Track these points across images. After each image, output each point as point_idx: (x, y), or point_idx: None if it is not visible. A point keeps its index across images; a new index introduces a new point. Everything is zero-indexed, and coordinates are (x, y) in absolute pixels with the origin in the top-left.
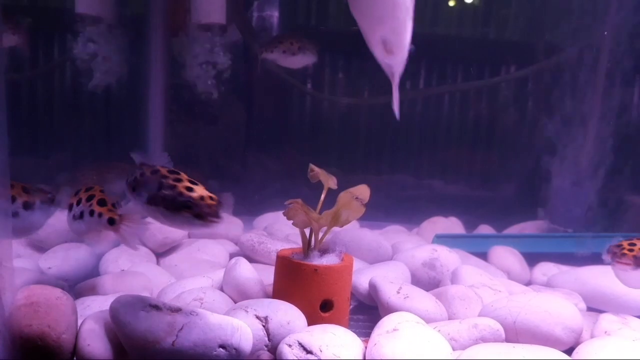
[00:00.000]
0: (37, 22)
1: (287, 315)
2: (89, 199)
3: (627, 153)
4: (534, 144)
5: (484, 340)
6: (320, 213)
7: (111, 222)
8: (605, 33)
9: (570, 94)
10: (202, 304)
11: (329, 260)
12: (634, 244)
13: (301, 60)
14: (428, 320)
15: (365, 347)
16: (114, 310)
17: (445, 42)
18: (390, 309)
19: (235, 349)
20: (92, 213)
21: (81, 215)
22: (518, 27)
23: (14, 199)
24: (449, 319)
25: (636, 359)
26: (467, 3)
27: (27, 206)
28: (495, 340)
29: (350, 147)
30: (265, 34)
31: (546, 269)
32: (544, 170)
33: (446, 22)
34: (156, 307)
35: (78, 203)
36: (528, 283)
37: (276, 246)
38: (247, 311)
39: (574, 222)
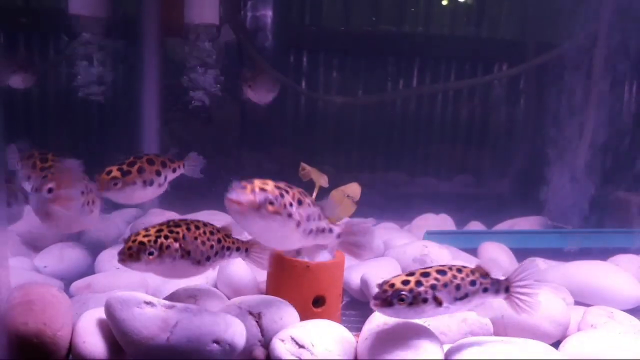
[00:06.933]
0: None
1: (280, 311)
2: None
3: (618, 150)
4: (526, 141)
5: (473, 334)
6: None
7: None
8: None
9: (566, 92)
10: (196, 300)
11: (321, 256)
12: None
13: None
14: None
15: (357, 342)
16: (109, 307)
17: (439, 41)
18: None
19: (229, 344)
20: None
21: None
22: (510, 26)
23: None
24: None
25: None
26: (459, 2)
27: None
28: (484, 334)
29: (343, 146)
30: (260, 34)
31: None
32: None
33: (439, 21)
34: (150, 304)
35: None
36: None
37: None
38: (240, 307)
39: (572, 219)
